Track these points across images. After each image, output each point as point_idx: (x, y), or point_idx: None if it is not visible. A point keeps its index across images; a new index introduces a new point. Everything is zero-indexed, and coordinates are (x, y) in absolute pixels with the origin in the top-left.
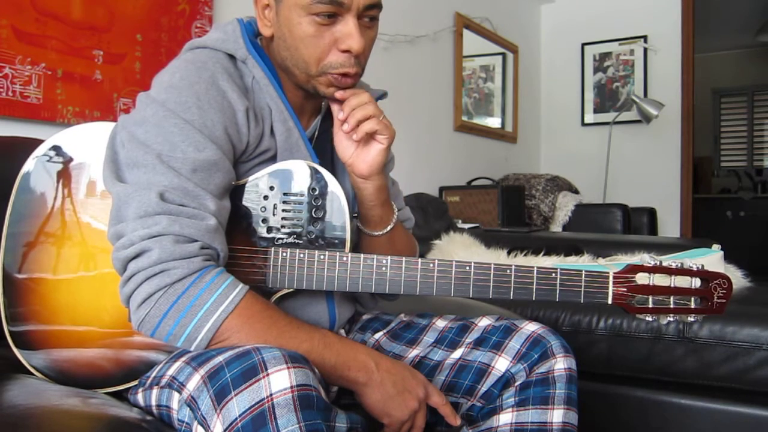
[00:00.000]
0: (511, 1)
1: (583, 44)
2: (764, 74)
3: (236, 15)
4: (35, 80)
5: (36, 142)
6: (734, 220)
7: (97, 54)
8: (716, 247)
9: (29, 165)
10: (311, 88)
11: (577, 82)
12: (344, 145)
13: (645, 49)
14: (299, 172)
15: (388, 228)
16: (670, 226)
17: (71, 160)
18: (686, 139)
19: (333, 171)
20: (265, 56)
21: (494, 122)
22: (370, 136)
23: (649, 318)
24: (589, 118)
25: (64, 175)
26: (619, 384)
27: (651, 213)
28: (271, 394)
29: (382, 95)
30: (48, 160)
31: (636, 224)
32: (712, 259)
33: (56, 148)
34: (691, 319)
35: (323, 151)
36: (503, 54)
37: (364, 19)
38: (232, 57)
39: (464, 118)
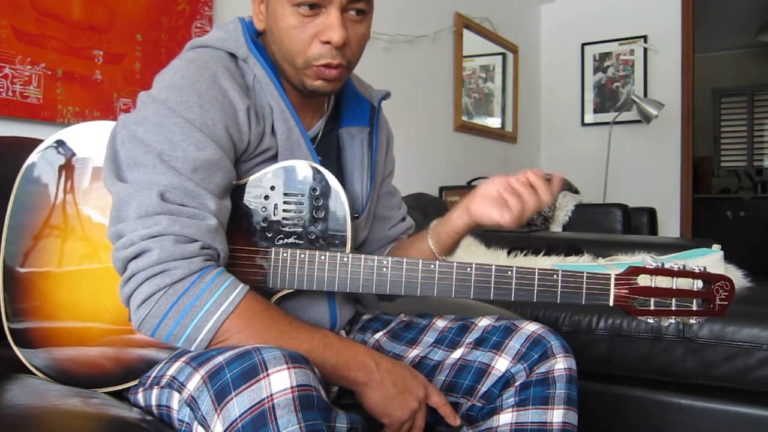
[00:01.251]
0: (511, 1)
1: (583, 44)
2: (764, 74)
3: (236, 15)
4: (35, 80)
5: (36, 142)
6: (734, 220)
7: (97, 54)
8: (716, 247)
9: (33, 157)
10: (300, 84)
11: (577, 82)
12: (493, 187)
13: (645, 49)
14: (300, 171)
15: (447, 258)
16: (670, 226)
17: (74, 154)
18: (686, 139)
19: (339, 172)
20: (267, 55)
21: (494, 122)
22: (505, 203)
23: (650, 320)
24: (589, 118)
25: (67, 168)
26: (619, 384)
27: (651, 213)
28: (271, 395)
29: (386, 95)
30: (52, 154)
31: (636, 224)
32: (712, 259)
33: (60, 143)
34: (692, 321)
35: (328, 151)
36: (503, 54)
37: (350, 12)
38: (233, 56)
39: (464, 118)
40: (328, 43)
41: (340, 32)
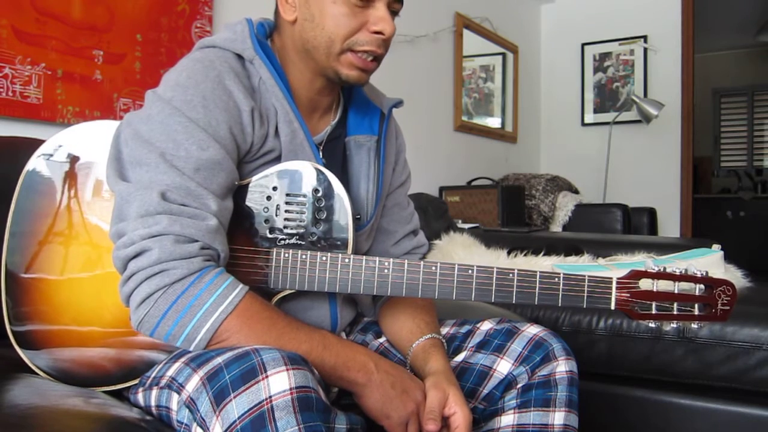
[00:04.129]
0: (511, 1)
1: (583, 44)
2: (764, 74)
3: (236, 15)
4: (35, 80)
5: (36, 142)
6: (734, 220)
7: (97, 54)
8: (716, 247)
9: (33, 163)
10: (331, 72)
11: (577, 82)
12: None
13: (645, 49)
14: (303, 173)
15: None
16: (670, 226)
17: (77, 159)
18: (686, 139)
19: (345, 180)
20: (273, 57)
21: (494, 122)
22: None
23: (652, 324)
24: (589, 118)
25: (70, 175)
26: (619, 384)
27: (651, 213)
28: (270, 396)
29: (397, 103)
30: (53, 159)
31: (636, 224)
32: (712, 259)
33: (62, 147)
34: (694, 326)
35: (333, 156)
36: (503, 54)
37: (389, 11)
38: (240, 57)
39: (464, 118)
40: (378, 33)
41: (392, 24)
